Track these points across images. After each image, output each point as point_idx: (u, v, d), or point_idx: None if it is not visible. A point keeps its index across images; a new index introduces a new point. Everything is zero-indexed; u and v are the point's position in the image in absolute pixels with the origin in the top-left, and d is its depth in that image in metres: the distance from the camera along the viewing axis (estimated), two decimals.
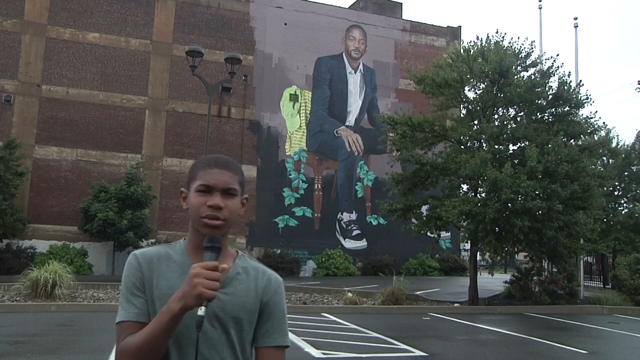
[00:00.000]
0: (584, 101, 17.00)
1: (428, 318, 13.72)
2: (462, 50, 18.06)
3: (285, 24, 28.15)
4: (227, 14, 27.24)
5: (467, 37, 48.36)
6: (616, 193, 25.23)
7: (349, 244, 27.73)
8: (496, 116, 17.51)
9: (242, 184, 1.78)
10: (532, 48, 17.28)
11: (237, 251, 1.85)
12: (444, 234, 19.70)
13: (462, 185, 17.32)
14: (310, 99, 28.22)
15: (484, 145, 16.99)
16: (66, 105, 24.43)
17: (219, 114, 26.42)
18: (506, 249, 16.51)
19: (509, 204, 14.59)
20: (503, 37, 17.27)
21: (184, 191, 1.79)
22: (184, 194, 1.79)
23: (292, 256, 25.81)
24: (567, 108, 17.07)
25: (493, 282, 21.72)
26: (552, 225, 14.64)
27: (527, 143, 16.31)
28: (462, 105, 18.21)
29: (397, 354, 8.99)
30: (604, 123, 25.29)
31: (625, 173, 25.06)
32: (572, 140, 16.99)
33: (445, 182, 17.57)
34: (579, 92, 17.04)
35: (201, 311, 1.54)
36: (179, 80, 25.99)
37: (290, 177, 27.37)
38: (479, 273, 18.44)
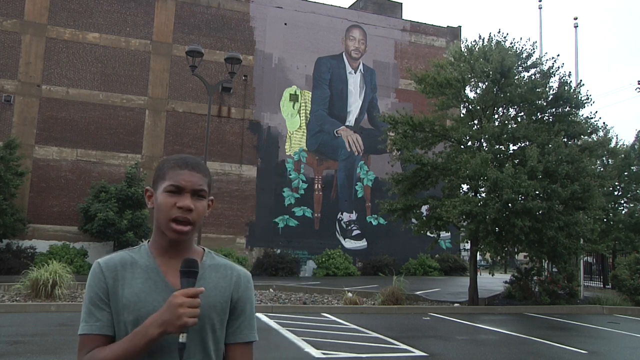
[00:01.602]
0: (584, 101, 17.00)
1: (428, 318, 13.72)
2: (464, 49, 18.06)
3: (285, 24, 28.15)
4: (227, 14, 27.24)
5: (467, 37, 48.37)
6: (616, 193, 25.21)
7: (349, 244, 27.73)
8: (497, 116, 17.51)
9: (210, 185, 1.75)
10: (533, 49, 17.30)
11: (203, 249, 1.81)
12: (443, 234, 19.70)
13: (462, 185, 17.31)
14: (310, 99, 28.22)
15: (485, 145, 16.99)
16: (66, 105, 24.43)
17: (219, 114, 26.42)
18: (506, 249, 16.50)
19: (510, 204, 14.59)
20: (505, 37, 17.28)
21: (150, 190, 1.74)
22: (150, 193, 1.74)
23: (292, 256, 25.81)
24: (567, 108, 17.08)
25: (493, 282, 21.74)
26: (552, 225, 14.64)
27: (527, 143, 16.30)
28: (462, 105, 18.20)
29: (397, 354, 8.99)
30: (604, 123, 25.27)
31: (625, 173, 25.05)
32: (572, 141, 16.98)
33: (446, 182, 17.56)
34: (579, 92, 17.04)
35: (183, 338, 1.53)
36: (179, 80, 26.00)
37: (290, 177, 27.37)
38: (479, 273, 18.44)
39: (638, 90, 28.54)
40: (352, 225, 28.09)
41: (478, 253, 17.33)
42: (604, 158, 23.47)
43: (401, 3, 32.73)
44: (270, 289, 17.44)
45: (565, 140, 16.33)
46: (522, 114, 17.45)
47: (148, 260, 1.71)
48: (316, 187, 27.80)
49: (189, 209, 1.65)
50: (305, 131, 27.94)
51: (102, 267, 1.69)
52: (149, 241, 1.77)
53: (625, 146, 25.49)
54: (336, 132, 28.46)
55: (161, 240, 1.71)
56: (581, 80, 18.19)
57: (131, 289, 1.65)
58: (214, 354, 1.69)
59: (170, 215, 1.65)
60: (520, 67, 17.15)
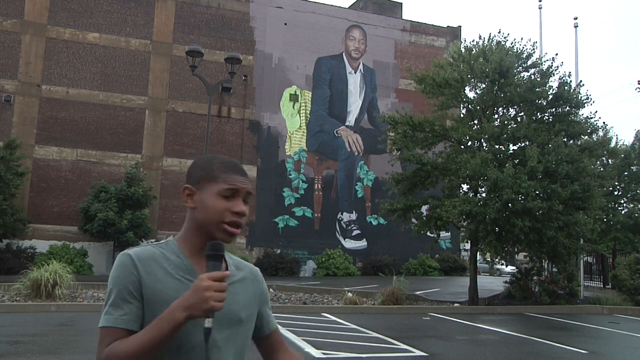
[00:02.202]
0: (584, 101, 17.01)
1: (428, 318, 13.72)
2: (463, 50, 18.07)
3: (285, 24, 28.15)
4: (227, 14, 27.24)
5: (467, 37, 48.36)
6: (616, 193, 25.22)
7: (349, 244, 27.73)
8: (496, 116, 17.52)
9: None
10: (533, 49, 17.30)
11: None
12: (443, 234, 19.70)
13: (462, 185, 17.31)
14: (310, 99, 28.22)
15: (485, 145, 16.99)
16: (66, 105, 24.43)
17: (219, 114, 26.42)
18: (506, 249, 16.51)
19: (510, 204, 14.59)
20: (505, 37, 17.28)
21: (191, 188, 1.67)
22: (189, 191, 1.68)
23: (292, 256, 25.81)
24: (567, 108, 17.08)
25: (493, 282, 21.74)
26: (552, 225, 14.64)
27: (527, 143, 16.31)
28: (462, 105, 18.22)
29: (397, 354, 8.99)
30: (604, 123, 25.30)
31: (625, 173, 25.06)
32: (572, 141, 16.99)
33: (446, 182, 17.57)
34: (579, 92, 17.05)
35: (209, 323, 1.49)
36: (179, 80, 26.00)
37: (290, 177, 27.38)
38: (479, 273, 18.45)
39: (638, 90, 28.57)
40: (352, 225, 28.09)
41: (478, 253, 17.34)
42: (604, 158, 23.47)
43: (401, 3, 32.74)
44: (270, 289, 17.44)
45: (565, 140, 16.33)
46: (522, 114, 17.45)
47: (180, 258, 1.66)
48: (316, 187, 27.80)
49: (245, 214, 1.65)
50: (305, 131, 27.94)
51: (133, 259, 1.60)
52: (173, 237, 1.72)
53: (625, 146, 25.50)
54: (336, 132, 28.46)
55: (197, 240, 1.66)
56: (581, 81, 18.23)
57: (166, 286, 1.60)
58: (243, 350, 1.71)
59: (223, 218, 1.62)
60: (519, 67, 17.15)
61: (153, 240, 23.30)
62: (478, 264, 19.15)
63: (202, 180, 1.66)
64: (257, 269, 1.86)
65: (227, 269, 1.70)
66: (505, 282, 18.34)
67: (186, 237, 1.69)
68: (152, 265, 1.61)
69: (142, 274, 1.59)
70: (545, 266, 18.29)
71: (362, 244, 27.93)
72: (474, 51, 17.26)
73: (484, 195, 16.19)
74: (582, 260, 20.18)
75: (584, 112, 31.42)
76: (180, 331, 1.51)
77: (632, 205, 25.66)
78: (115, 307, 1.57)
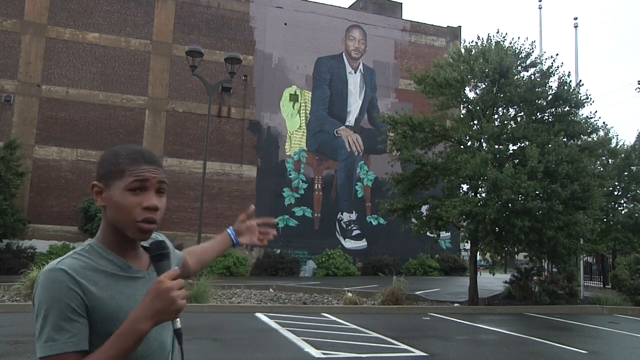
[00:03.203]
0: (584, 101, 17.00)
1: (428, 318, 13.72)
2: (463, 50, 18.07)
3: (285, 24, 28.16)
4: (227, 14, 27.24)
5: (467, 37, 48.39)
6: (616, 193, 25.21)
7: (349, 244, 27.73)
8: (496, 116, 17.52)
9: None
10: (532, 48, 17.30)
11: None
12: (443, 234, 19.70)
13: (462, 185, 17.32)
14: (310, 99, 28.22)
15: (484, 145, 17.00)
16: (66, 105, 24.44)
17: (219, 114, 26.42)
18: (506, 249, 16.51)
19: (509, 204, 14.59)
20: (504, 37, 17.28)
21: (99, 185, 1.54)
22: (98, 189, 1.55)
23: (292, 256, 25.81)
24: (567, 108, 17.08)
25: (493, 282, 21.73)
26: (552, 226, 14.64)
27: (527, 143, 16.31)
28: (462, 105, 18.21)
29: (397, 354, 8.99)
30: (604, 123, 25.28)
31: (625, 173, 25.04)
32: (572, 141, 16.99)
33: (445, 182, 17.57)
34: (578, 92, 17.05)
35: (178, 323, 1.45)
36: (179, 80, 26.00)
37: (290, 177, 27.38)
38: (479, 273, 18.45)
39: (638, 90, 28.56)
40: (352, 225, 28.09)
41: (478, 253, 17.34)
42: (603, 158, 23.46)
43: (401, 3, 32.74)
44: (270, 289, 17.45)
45: (565, 140, 16.33)
46: (522, 114, 17.45)
47: (114, 259, 1.53)
48: (316, 187, 27.80)
49: (156, 208, 1.54)
50: (305, 131, 27.94)
51: (69, 273, 1.43)
52: (90, 243, 1.57)
53: (625, 146, 25.48)
54: (336, 132, 28.46)
55: (116, 238, 1.54)
56: (581, 80, 18.21)
57: (115, 289, 1.48)
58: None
59: (136, 217, 1.50)
60: (519, 67, 17.16)
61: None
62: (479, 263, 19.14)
63: (109, 176, 1.54)
64: (159, 236, 1.72)
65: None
66: (505, 282, 18.34)
67: (106, 238, 1.56)
68: (90, 274, 1.47)
69: (85, 288, 1.43)
70: (545, 266, 18.29)
71: (362, 244, 27.93)
72: (473, 51, 17.26)
73: (483, 195, 16.19)
74: (582, 260, 20.17)
75: (584, 112, 31.47)
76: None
77: (632, 206, 25.64)
78: (58, 330, 1.38)
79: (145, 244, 1.63)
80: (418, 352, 9.03)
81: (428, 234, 17.75)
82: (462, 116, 18.17)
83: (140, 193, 1.52)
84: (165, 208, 1.66)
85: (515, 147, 17.05)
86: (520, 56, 17.05)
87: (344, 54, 29.17)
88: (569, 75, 17.27)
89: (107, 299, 1.46)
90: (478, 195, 16.50)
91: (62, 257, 1.50)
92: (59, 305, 1.39)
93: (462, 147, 17.24)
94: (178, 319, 1.44)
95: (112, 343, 1.37)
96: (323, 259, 26.26)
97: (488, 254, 16.89)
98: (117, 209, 1.51)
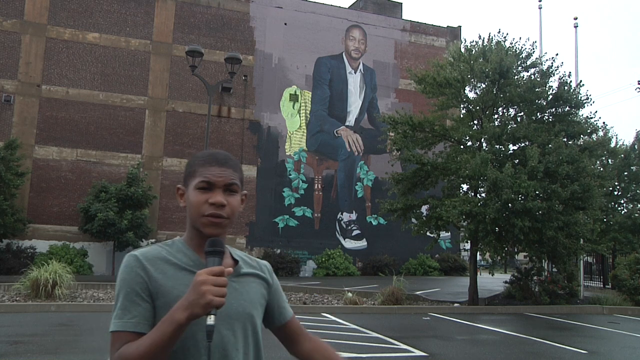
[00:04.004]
0: (584, 101, 17.01)
1: (428, 318, 13.72)
2: (463, 50, 18.07)
3: (285, 24, 28.15)
4: (227, 14, 27.24)
5: (467, 37, 48.42)
6: (615, 193, 25.21)
7: (349, 244, 27.73)
8: (496, 116, 17.52)
9: (242, 180, 1.73)
10: (533, 48, 17.31)
11: (226, 246, 1.79)
12: (443, 234, 19.70)
13: (462, 185, 17.32)
14: (310, 99, 28.22)
15: (485, 145, 17.00)
16: (66, 105, 24.43)
17: (219, 114, 26.42)
18: (506, 249, 16.51)
19: (509, 204, 14.60)
20: (505, 37, 17.28)
21: (182, 188, 1.72)
22: (181, 191, 1.71)
23: (292, 256, 25.82)
24: (567, 108, 17.09)
25: (493, 282, 21.72)
26: (552, 226, 14.65)
27: (527, 143, 16.31)
28: (462, 105, 18.21)
29: (397, 354, 8.99)
30: (604, 123, 25.27)
31: (625, 173, 25.04)
32: (572, 141, 16.99)
33: (445, 182, 17.57)
34: (579, 92, 17.05)
35: (210, 320, 1.44)
36: (179, 80, 26.00)
37: (290, 177, 27.37)
38: (479, 273, 18.44)
39: (638, 90, 28.56)
40: (352, 225, 28.09)
41: (478, 253, 17.34)
42: (603, 158, 23.46)
43: (401, 3, 32.73)
44: None
45: (566, 140, 16.33)
46: (522, 114, 17.46)
47: (188, 255, 1.66)
48: (316, 187, 27.80)
49: (222, 205, 1.62)
50: (305, 131, 27.94)
51: (140, 259, 1.59)
52: (179, 238, 1.73)
53: (625, 146, 25.48)
54: (336, 132, 28.46)
55: (197, 238, 1.66)
56: (581, 81, 18.21)
57: (179, 281, 1.58)
58: (255, 344, 1.70)
59: (202, 211, 1.62)
60: (519, 67, 17.16)
61: (153, 240, 23.31)
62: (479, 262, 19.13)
63: (187, 178, 1.69)
64: (267, 262, 1.88)
65: (234, 265, 1.71)
66: (505, 282, 18.34)
67: (187, 235, 1.71)
68: (160, 264, 1.61)
69: (151, 274, 1.58)
70: (545, 266, 18.28)
71: (362, 244, 27.93)
72: (473, 51, 17.26)
73: (483, 195, 16.20)
74: (582, 260, 20.17)
75: (584, 112, 31.44)
76: (187, 331, 1.49)
77: (631, 206, 25.64)
78: (123, 310, 1.55)
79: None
80: (418, 352, 9.03)
81: (428, 234, 17.75)
82: (462, 116, 18.17)
83: (209, 191, 1.64)
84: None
85: (515, 147, 17.06)
86: (520, 56, 17.06)
87: (344, 54, 29.17)
88: (569, 76, 17.29)
89: (169, 288, 1.57)
90: (478, 195, 16.51)
91: (147, 247, 1.70)
92: (127, 288, 1.56)
93: (462, 147, 17.24)
94: (212, 316, 1.44)
95: (156, 329, 1.47)
96: (323, 259, 26.26)
97: (488, 254, 16.89)
98: (190, 206, 1.65)
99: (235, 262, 1.74)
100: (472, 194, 16.67)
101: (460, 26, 31.93)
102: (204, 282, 1.42)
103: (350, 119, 28.80)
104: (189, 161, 1.73)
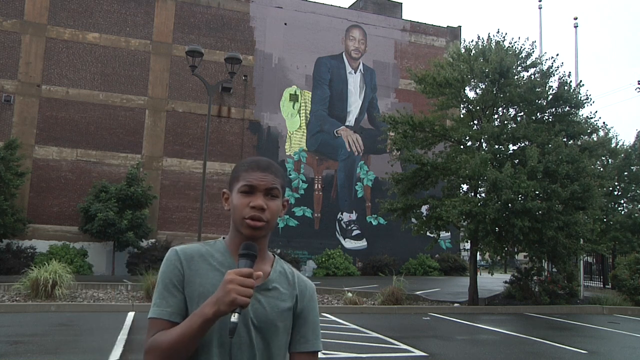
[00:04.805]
0: (584, 101, 17.02)
1: (428, 318, 13.72)
2: (463, 50, 18.07)
3: (285, 24, 28.15)
4: (227, 14, 27.24)
5: (467, 37, 48.39)
6: (616, 193, 25.21)
7: (349, 244, 27.73)
8: (496, 116, 17.52)
9: (284, 186, 1.79)
10: (532, 48, 17.31)
11: (274, 255, 1.85)
12: (443, 233, 19.70)
13: (462, 185, 17.32)
14: (310, 99, 28.22)
15: (484, 145, 17.00)
16: (66, 105, 24.43)
17: (219, 114, 26.42)
18: (506, 249, 16.51)
19: (509, 204, 14.60)
20: (504, 37, 17.28)
21: (227, 192, 1.80)
22: (227, 195, 1.80)
23: (292, 256, 25.80)
24: (567, 108, 17.09)
25: (493, 282, 21.73)
26: (552, 226, 14.64)
27: (527, 143, 16.31)
28: (462, 105, 18.21)
29: (397, 354, 8.99)
30: (604, 123, 25.28)
31: (625, 173, 25.04)
32: (572, 141, 16.99)
33: (445, 182, 17.57)
34: (579, 92, 17.06)
35: (234, 318, 1.52)
36: (179, 80, 25.99)
37: (290, 177, 27.37)
38: (479, 273, 18.44)
39: (638, 90, 28.55)
40: (352, 225, 28.09)
41: (478, 253, 17.33)
42: (603, 158, 23.46)
43: (401, 3, 32.73)
44: None
45: (565, 140, 16.33)
46: (522, 114, 17.46)
47: (224, 257, 1.74)
48: (316, 187, 27.80)
49: (262, 208, 1.69)
50: (305, 131, 27.94)
51: (179, 254, 1.71)
52: (223, 238, 1.82)
53: (625, 146, 25.47)
54: (336, 132, 28.46)
55: (237, 239, 1.74)
56: (581, 81, 18.22)
57: (207, 280, 1.68)
58: (278, 358, 1.72)
59: (244, 214, 1.69)
60: (519, 67, 17.16)
61: (153, 240, 23.30)
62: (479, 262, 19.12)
63: (232, 183, 1.78)
64: (311, 285, 1.87)
65: (270, 272, 1.77)
66: (505, 282, 18.34)
67: (230, 237, 1.79)
68: (197, 261, 1.71)
69: (186, 268, 1.69)
70: (545, 266, 18.28)
71: (362, 244, 27.92)
72: (473, 51, 17.26)
73: (483, 195, 16.20)
74: (582, 260, 20.17)
75: (584, 112, 31.44)
76: (213, 327, 1.58)
77: (631, 206, 25.64)
78: (161, 299, 1.66)
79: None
80: (418, 352, 9.03)
81: (428, 234, 17.75)
82: (462, 116, 18.17)
83: (251, 195, 1.71)
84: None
85: (515, 147, 17.06)
86: (520, 56, 17.06)
87: (344, 54, 29.17)
88: (569, 76, 17.29)
89: (196, 284, 1.67)
90: (478, 195, 16.51)
91: (189, 244, 1.80)
92: (165, 279, 1.69)
93: (462, 147, 17.24)
94: (236, 314, 1.52)
95: (187, 320, 1.57)
96: (323, 259, 26.26)
97: (488, 254, 16.89)
98: (233, 209, 1.74)
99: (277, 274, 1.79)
100: (472, 194, 16.67)
101: (460, 26, 31.94)
102: (232, 281, 1.52)
103: (350, 119, 28.80)
104: (235, 167, 1.82)
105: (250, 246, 1.63)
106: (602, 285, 24.90)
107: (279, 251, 25.80)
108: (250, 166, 1.75)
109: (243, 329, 1.64)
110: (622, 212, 25.19)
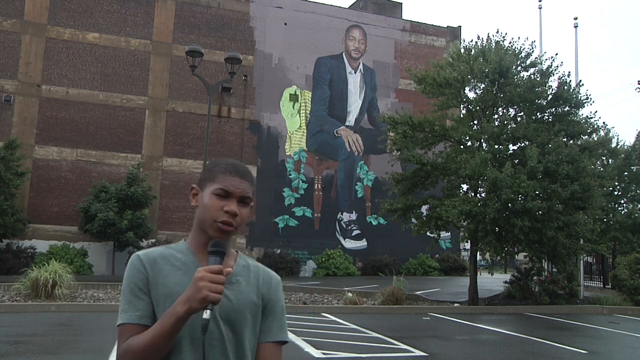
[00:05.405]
0: (584, 101, 17.01)
1: (428, 318, 13.72)
2: (462, 50, 18.07)
3: (285, 24, 28.15)
4: (227, 14, 27.24)
5: (467, 37, 48.41)
6: (616, 193, 25.20)
7: (349, 244, 27.73)
8: (496, 116, 17.52)
9: (254, 193, 1.83)
10: (532, 48, 17.31)
11: (237, 251, 1.88)
12: (443, 233, 19.69)
13: (462, 185, 17.32)
14: (310, 99, 28.22)
15: (484, 145, 17.00)
16: (66, 105, 24.43)
17: (219, 114, 26.41)
18: (506, 249, 16.51)
19: (509, 204, 14.60)
20: (504, 37, 17.28)
21: (197, 188, 1.80)
22: (196, 192, 1.80)
23: (292, 256, 25.81)
24: (567, 108, 17.09)
25: (493, 282, 21.73)
26: (552, 226, 14.64)
27: (527, 143, 16.31)
28: (462, 105, 18.22)
29: (397, 354, 8.99)
30: (604, 123, 25.26)
31: (625, 173, 25.03)
32: (572, 141, 16.99)
33: (445, 182, 17.57)
34: (578, 92, 17.06)
35: (206, 314, 1.55)
36: (179, 80, 25.99)
37: (290, 177, 27.37)
38: (479, 273, 18.44)
39: (638, 90, 28.55)
40: (352, 225, 28.09)
41: (478, 253, 17.33)
42: (603, 158, 23.46)
43: (401, 3, 32.73)
44: None
45: (565, 140, 16.33)
46: (522, 113, 17.46)
47: (187, 256, 1.76)
48: (316, 187, 27.80)
49: (235, 214, 1.71)
50: (305, 131, 27.93)
51: (141, 258, 1.73)
52: (185, 240, 1.83)
53: (625, 146, 25.47)
54: (336, 132, 28.46)
55: (201, 238, 1.76)
56: (580, 80, 18.21)
57: (171, 280, 1.70)
58: (249, 350, 1.74)
59: (216, 217, 1.71)
60: (519, 67, 17.15)
61: (153, 240, 23.31)
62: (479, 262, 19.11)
63: (205, 181, 1.78)
64: (276, 277, 1.89)
65: (233, 266, 1.78)
66: (505, 282, 18.34)
67: (192, 235, 1.80)
68: (159, 263, 1.73)
69: (149, 271, 1.71)
70: (545, 266, 18.28)
71: (362, 244, 27.92)
72: (473, 51, 17.26)
73: (483, 195, 16.19)
74: (582, 260, 20.17)
75: (584, 112, 31.46)
76: (186, 325, 1.59)
77: (631, 206, 25.64)
78: (129, 304, 1.68)
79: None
80: (418, 352, 9.03)
81: (428, 234, 17.75)
82: (462, 116, 18.17)
83: (225, 199, 1.73)
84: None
85: (515, 147, 17.05)
86: (520, 56, 17.05)
87: (344, 54, 29.16)
88: (568, 75, 17.29)
89: (161, 285, 1.69)
90: (478, 195, 16.50)
91: (152, 247, 1.83)
92: (130, 284, 1.70)
93: (462, 147, 17.24)
94: (208, 311, 1.55)
95: (159, 322, 1.59)
96: (323, 259, 26.25)
97: (488, 254, 16.89)
98: (204, 208, 1.73)
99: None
100: (472, 194, 16.67)
101: (460, 26, 31.94)
102: (202, 278, 1.54)
103: (350, 119, 28.80)
104: (209, 165, 1.83)
105: (219, 243, 1.66)
106: (602, 285, 24.89)
107: (278, 251, 25.83)
108: (228, 169, 1.76)
109: (212, 324, 1.65)
110: (622, 212, 25.18)
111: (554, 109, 17.20)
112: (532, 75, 17.24)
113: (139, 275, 1.70)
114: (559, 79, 17.12)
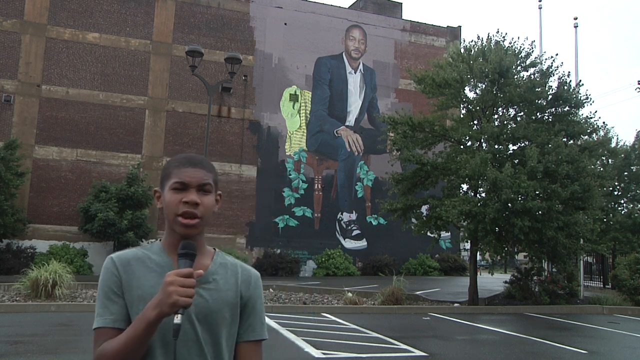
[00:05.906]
0: (584, 101, 17.01)
1: (428, 318, 13.72)
2: (462, 50, 18.07)
3: (285, 24, 28.15)
4: (227, 14, 27.24)
5: (467, 37, 48.45)
6: (616, 193, 25.20)
7: (349, 244, 27.73)
8: (496, 116, 17.52)
9: (216, 181, 1.79)
10: (532, 48, 17.31)
11: (214, 249, 1.85)
12: (444, 234, 19.69)
13: (462, 185, 17.32)
14: (310, 99, 28.22)
15: (484, 145, 17.00)
16: (66, 105, 24.43)
17: (219, 114, 26.41)
18: (506, 249, 16.51)
19: (509, 204, 14.60)
20: (504, 37, 17.28)
21: (158, 190, 1.78)
22: (158, 194, 1.78)
23: (292, 256, 25.81)
24: (567, 108, 17.09)
25: (493, 282, 21.73)
26: (552, 226, 14.64)
27: (527, 143, 16.31)
28: (462, 105, 18.22)
29: (397, 354, 8.99)
30: (604, 123, 25.27)
31: (625, 173, 25.04)
32: (572, 141, 16.99)
33: (445, 182, 17.57)
34: (578, 92, 17.05)
35: (177, 319, 1.53)
36: (179, 80, 25.99)
37: (290, 177, 27.37)
38: (479, 273, 18.44)
39: (638, 90, 28.56)
40: (352, 225, 28.09)
41: (478, 253, 17.33)
42: (603, 158, 23.46)
43: (401, 3, 32.73)
44: (270, 289, 17.43)
45: (565, 140, 16.33)
46: (522, 113, 17.46)
47: (161, 257, 1.74)
48: (316, 187, 27.80)
49: (195, 203, 1.69)
50: (305, 131, 27.94)
51: (114, 261, 1.71)
52: (160, 240, 1.81)
53: (625, 146, 25.47)
54: (336, 132, 28.46)
55: (172, 238, 1.74)
56: (580, 80, 18.20)
57: (145, 282, 1.67)
58: (226, 350, 1.72)
59: (177, 211, 1.69)
60: (519, 67, 17.15)
61: (153, 240, 23.31)
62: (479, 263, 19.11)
63: (163, 180, 1.77)
64: (255, 273, 1.85)
65: (209, 265, 1.76)
66: (505, 282, 18.34)
67: (165, 237, 1.79)
68: (133, 264, 1.71)
69: (122, 273, 1.69)
70: (545, 266, 18.28)
71: (362, 244, 27.92)
72: (473, 51, 17.26)
73: (483, 195, 16.20)
74: (582, 260, 20.17)
75: (584, 112, 31.45)
76: (158, 329, 1.57)
77: (631, 206, 25.64)
78: (103, 308, 1.66)
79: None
80: (418, 352, 9.03)
81: (428, 234, 17.75)
82: (462, 116, 18.17)
83: (183, 191, 1.70)
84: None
85: (515, 147, 17.05)
86: (520, 56, 17.05)
87: (344, 54, 29.17)
88: (568, 75, 17.29)
89: (135, 288, 1.67)
90: (478, 195, 16.50)
91: (126, 249, 1.80)
92: (104, 287, 1.68)
93: (462, 147, 17.24)
94: (179, 315, 1.53)
95: (132, 326, 1.58)
96: (323, 259, 26.25)
97: (488, 254, 16.88)
98: (165, 207, 1.73)
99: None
100: (472, 194, 16.67)
101: (460, 26, 31.94)
102: (172, 282, 1.52)
103: (350, 119, 28.80)
104: (165, 165, 1.81)
105: (188, 245, 1.63)
106: (602, 285, 24.89)
107: (278, 251, 25.83)
108: (181, 162, 1.74)
109: (188, 326, 1.63)
110: (622, 212, 25.18)
111: (554, 109, 17.20)
112: (532, 75, 17.24)
113: (112, 278, 1.68)
114: (559, 79, 17.13)
